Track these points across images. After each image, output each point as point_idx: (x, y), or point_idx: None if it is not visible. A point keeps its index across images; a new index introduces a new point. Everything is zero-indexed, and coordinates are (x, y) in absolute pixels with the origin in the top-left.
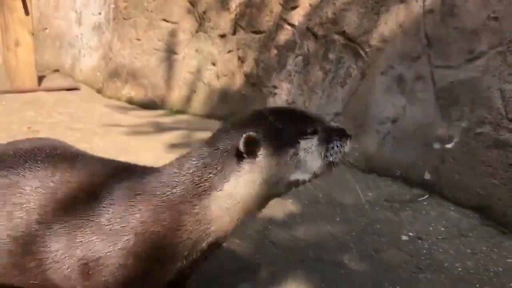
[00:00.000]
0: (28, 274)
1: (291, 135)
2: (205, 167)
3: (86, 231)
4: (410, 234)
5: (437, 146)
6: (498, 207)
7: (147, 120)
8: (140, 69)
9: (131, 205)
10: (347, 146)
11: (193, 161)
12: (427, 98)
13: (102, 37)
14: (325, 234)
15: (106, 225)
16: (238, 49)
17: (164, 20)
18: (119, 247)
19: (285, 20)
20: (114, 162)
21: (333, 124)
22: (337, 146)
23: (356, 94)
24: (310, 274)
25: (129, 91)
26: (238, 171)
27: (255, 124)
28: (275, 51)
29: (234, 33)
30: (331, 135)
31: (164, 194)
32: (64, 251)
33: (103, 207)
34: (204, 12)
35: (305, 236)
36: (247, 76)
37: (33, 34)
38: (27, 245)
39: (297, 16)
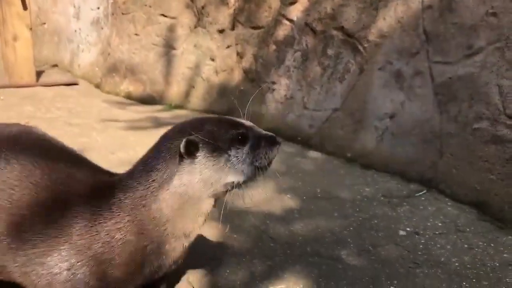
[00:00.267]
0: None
1: (225, 141)
2: (152, 170)
3: (55, 239)
4: (408, 229)
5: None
6: (495, 203)
7: (146, 115)
8: (139, 64)
9: (97, 213)
10: (273, 153)
11: (141, 166)
12: (425, 94)
13: (100, 32)
14: (323, 229)
15: (75, 233)
16: (237, 44)
17: (163, 15)
18: (90, 255)
19: (284, 16)
20: (80, 161)
21: (264, 132)
22: (264, 153)
23: (355, 89)
24: (308, 268)
25: (128, 86)
26: (180, 171)
27: (195, 130)
28: (273, 47)
29: (233, 28)
30: (260, 143)
31: (121, 200)
32: (30, 259)
33: (70, 217)
34: (203, 7)
35: (303, 231)
36: (246, 71)
37: (31, 28)
38: None
39: (295, 12)
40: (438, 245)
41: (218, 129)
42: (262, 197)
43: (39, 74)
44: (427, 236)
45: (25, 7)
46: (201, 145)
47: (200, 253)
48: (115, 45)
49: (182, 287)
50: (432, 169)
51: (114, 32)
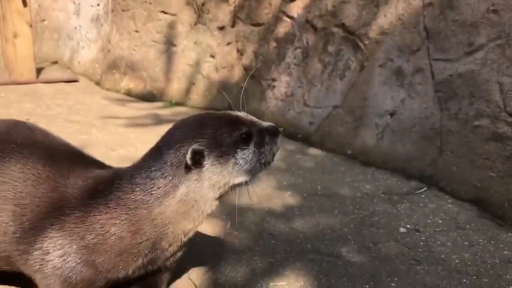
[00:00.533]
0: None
1: (230, 145)
2: (156, 178)
3: (51, 227)
4: (408, 226)
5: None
6: (495, 200)
7: (146, 112)
8: (139, 61)
9: (92, 206)
10: (277, 146)
11: (144, 173)
12: (426, 91)
13: (100, 29)
14: (323, 226)
15: (70, 222)
16: (237, 41)
17: (163, 12)
18: (82, 245)
19: (284, 13)
20: (80, 155)
21: (264, 123)
22: (269, 149)
23: (355, 86)
24: (308, 265)
25: (128, 83)
26: (188, 179)
27: (198, 135)
28: (274, 44)
29: (233, 25)
30: (263, 138)
31: (121, 199)
32: (30, 245)
33: (67, 205)
34: (203, 4)
35: (304, 228)
36: (246, 68)
37: (31, 25)
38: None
39: (296, 9)
40: (439, 242)
41: (220, 132)
42: (263, 194)
43: (39, 71)
44: (427, 233)
45: (25, 4)
46: (206, 152)
47: (201, 250)
48: (115, 42)
49: (182, 284)
50: (432, 166)
51: (114, 29)
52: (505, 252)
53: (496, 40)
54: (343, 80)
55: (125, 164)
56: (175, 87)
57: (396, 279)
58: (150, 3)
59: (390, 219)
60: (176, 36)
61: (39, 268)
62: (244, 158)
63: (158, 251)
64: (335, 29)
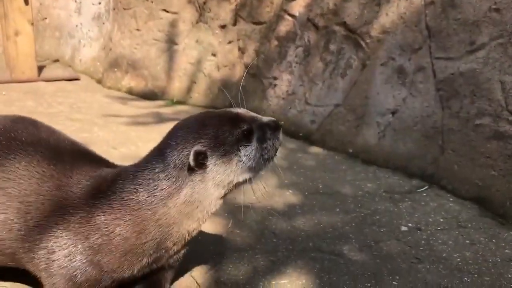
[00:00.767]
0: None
1: (233, 144)
2: (159, 180)
3: (56, 227)
4: (409, 225)
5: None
6: (497, 199)
7: (147, 111)
8: (140, 60)
9: (96, 206)
10: (279, 140)
11: (147, 174)
12: (427, 90)
13: (102, 27)
14: (325, 225)
15: (75, 222)
16: (238, 40)
17: (164, 10)
18: (87, 245)
19: (286, 11)
20: (85, 152)
21: (264, 118)
22: (271, 144)
23: (357, 85)
24: (310, 264)
25: (129, 81)
26: (192, 181)
27: (200, 136)
28: (275, 42)
29: (234, 23)
30: (265, 133)
31: (124, 200)
32: (35, 243)
33: (75, 204)
34: (205, 3)
35: (305, 226)
36: (248, 67)
37: (32, 23)
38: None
39: (297, 7)
40: (440, 241)
41: (222, 131)
42: (264, 192)
43: (40, 69)
44: (428, 231)
45: (26, 2)
46: (209, 152)
47: (203, 249)
48: (117, 40)
49: (185, 282)
50: (433, 165)
51: (116, 27)
52: (506, 250)
53: (498, 38)
54: (344, 79)
55: (126, 162)
56: (177, 86)
57: (397, 277)
58: (152, 2)
59: (391, 217)
60: (178, 35)
61: (45, 267)
62: (247, 155)
63: (163, 251)
64: (337, 28)
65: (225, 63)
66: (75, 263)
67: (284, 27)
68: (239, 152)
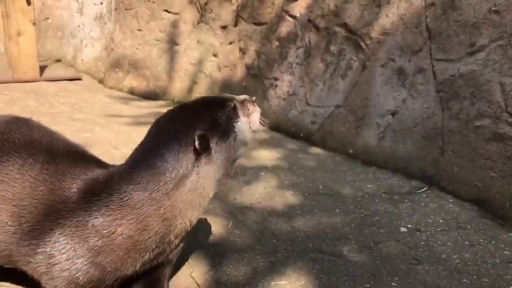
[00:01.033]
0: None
1: (227, 121)
2: (163, 173)
3: (51, 231)
4: (409, 226)
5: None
6: (496, 200)
7: (149, 111)
8: (142, 60)
9: (91, 209)
10: (259, 111)
11: (147, 169)
12: (427, 91)
13: (104, 28)
14: (324, 226)
15: (71, 226)
16: (239, 40)
17: (166, 10)
18: (87, 247)
19: (287, 12)
20: (79, 154)
21: (240, 96)
22: (256, 116)
23: (357, 86)
24: (309, 264)
25: (131, 81)
26: (197, 166)
27: (199, 121)
28: (276, 43)
29: (235, 24)
30: (246, 107)
31: (123, 200)
32: (30, 247)
33: (69, 208)
34: (206, 3)
35: (305, 227)
36: (248, 67)
37: (34, 24)
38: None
39: (298, 8)
40: (439, 242)
41: (214, 113)
42: (264, 193)
43: (42, 69)
44: (428, 233)
45: (28, 2)
46: (210, 135)
47: (203, 249)
48: (118, 41)
49: (185, 282)
50: (433, 166)
51: (118, 27)
52: (505, 252)
53: (498, 40)
54: (345, 80)
55: None
56: (178, 86)
57: (396, 278)
58: (153, 2)
59: (391, 218)
60: (179, 35)
61: (46, 270)
62: (240, 130)
63: (165, 244)
64: (337, 29)
65: (226, 63)
66: (76, 265)
67: (285, 28)
68: (234, 128)
